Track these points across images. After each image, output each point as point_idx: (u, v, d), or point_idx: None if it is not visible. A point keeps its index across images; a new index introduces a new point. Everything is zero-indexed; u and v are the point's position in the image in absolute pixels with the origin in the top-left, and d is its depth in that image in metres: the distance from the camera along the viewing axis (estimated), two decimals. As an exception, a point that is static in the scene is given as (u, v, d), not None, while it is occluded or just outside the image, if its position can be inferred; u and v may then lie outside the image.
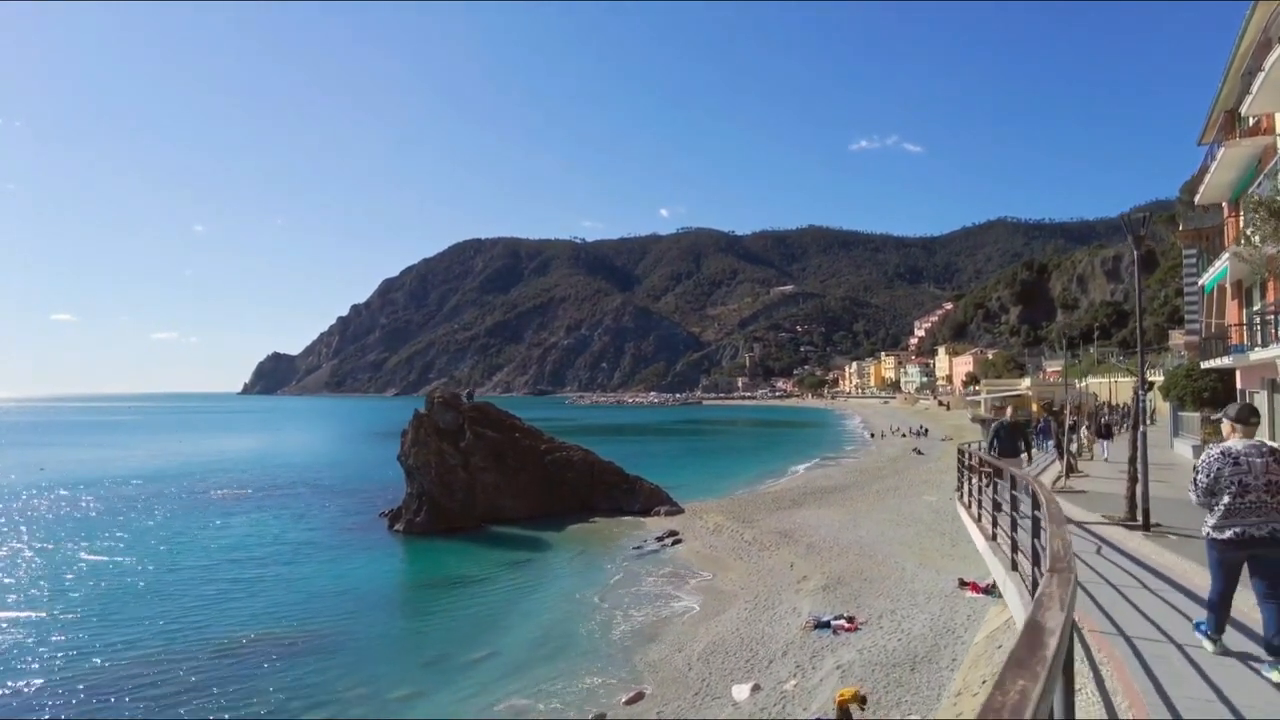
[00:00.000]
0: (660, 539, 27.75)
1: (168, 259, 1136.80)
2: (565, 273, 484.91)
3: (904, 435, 73.98)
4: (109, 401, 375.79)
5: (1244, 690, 4.72)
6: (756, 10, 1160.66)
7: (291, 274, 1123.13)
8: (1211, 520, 5.08)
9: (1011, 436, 13.44)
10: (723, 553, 25.48)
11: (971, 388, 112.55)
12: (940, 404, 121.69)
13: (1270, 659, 4.96)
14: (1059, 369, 66.74)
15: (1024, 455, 13.71)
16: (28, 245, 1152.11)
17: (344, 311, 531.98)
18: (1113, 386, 57.28)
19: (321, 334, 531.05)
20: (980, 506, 10.79)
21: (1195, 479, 5.20)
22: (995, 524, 8.99)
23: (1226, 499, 4.95)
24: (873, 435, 79.95)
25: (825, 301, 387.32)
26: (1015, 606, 6.40)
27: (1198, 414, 25.54)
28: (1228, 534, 4.95)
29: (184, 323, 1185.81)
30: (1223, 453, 5.07)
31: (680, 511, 33.25)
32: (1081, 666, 5.10)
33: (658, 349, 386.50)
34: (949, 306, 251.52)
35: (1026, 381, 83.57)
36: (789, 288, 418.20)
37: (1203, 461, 5.20)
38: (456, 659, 16.88)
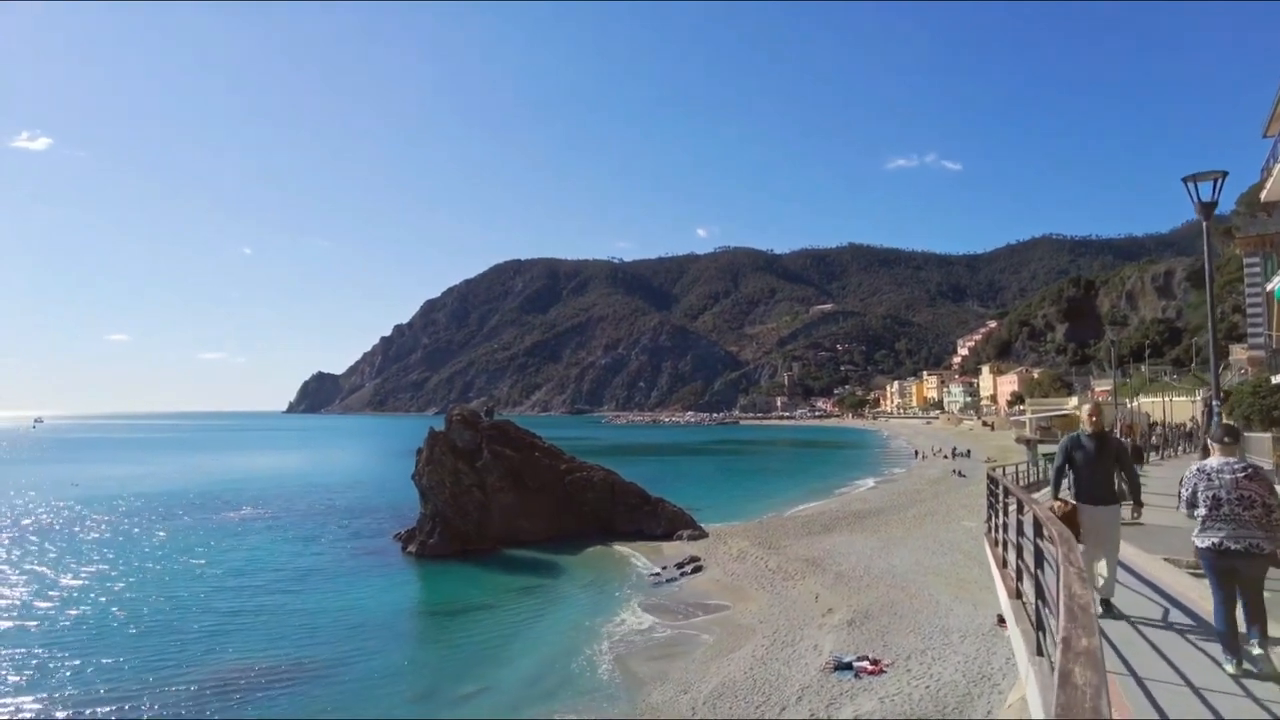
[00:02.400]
0: (680, 565, 26.36)
1: (217, 281, 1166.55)
2: (603, 292, 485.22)
3: (946, 456, 71.44)
4: (158, 420, 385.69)
5: None
6: (789, 30, 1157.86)
7: (336, 295, 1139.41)
8: (1196, 530, 5.48)
9: (1100, 459, 6.88)
10: (744, 581, 24.01)
11: (1017, 407, 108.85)
12: (984, 424, 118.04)
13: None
14: (1108, 388, 63.84)
15: (1131, 500, 7.41)
16: (88, 268, 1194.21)
17: (387, 331, 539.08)
18: (1166, 405, 54.21)
19: (365, 353, 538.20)
20: (1005, 548, 8.24)
21: (1180, 493, 5.68)
22: (1020, 578, 6.89)
23: (1203, 511, 5.38)
24: (917, 453, 77.58)
25: (866, 320, 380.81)
26: (1036, 706, 4.72)
27: (1268, 434, 23.15)
28: (1208, 542, 5.31)
29: (231, 343, 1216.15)
30: (1199, 469, 5.53)
31: (704, 536, 31.78)
32: None
33: (695, 368, 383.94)
34: (993, 324, 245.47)
35: (1074, 401, 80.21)
36: (829, 306, 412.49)
37: (1185, 478, 5.66)
38: (446, 694, 15.78)
